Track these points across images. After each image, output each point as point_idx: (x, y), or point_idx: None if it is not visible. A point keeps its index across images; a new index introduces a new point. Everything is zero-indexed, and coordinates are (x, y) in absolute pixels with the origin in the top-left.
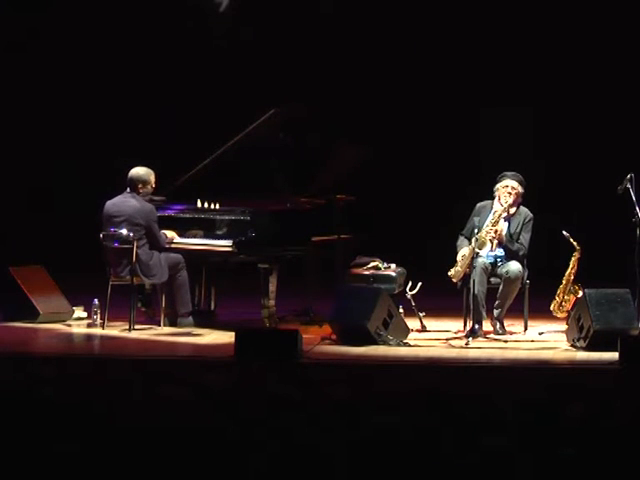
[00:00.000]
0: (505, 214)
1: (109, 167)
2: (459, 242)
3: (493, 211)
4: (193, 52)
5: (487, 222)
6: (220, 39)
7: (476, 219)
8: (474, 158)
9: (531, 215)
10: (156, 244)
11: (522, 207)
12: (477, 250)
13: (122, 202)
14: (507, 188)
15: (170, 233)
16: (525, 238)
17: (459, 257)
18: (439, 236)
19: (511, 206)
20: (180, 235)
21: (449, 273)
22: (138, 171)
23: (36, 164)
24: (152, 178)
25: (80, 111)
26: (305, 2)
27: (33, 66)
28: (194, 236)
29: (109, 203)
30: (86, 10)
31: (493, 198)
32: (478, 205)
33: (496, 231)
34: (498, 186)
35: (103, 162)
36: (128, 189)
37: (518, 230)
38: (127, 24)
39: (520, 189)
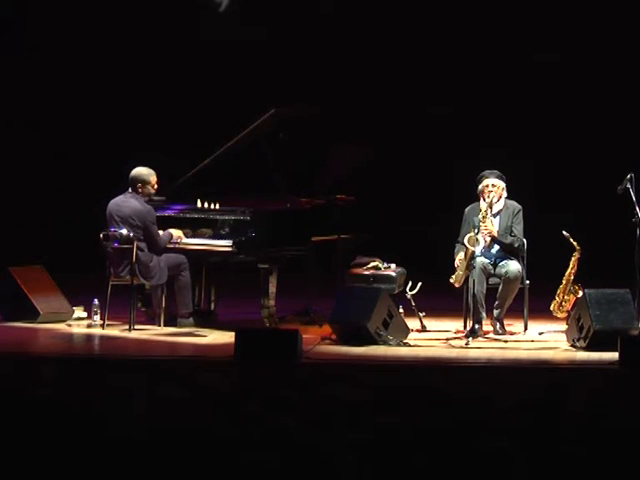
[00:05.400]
0: (490, 210)
1: (109, 167)
2: (456, 250)
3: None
4: (193, 51)
5: (477, 222)
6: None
7: (467, 224)
8: (474, 157)
9: (519, 207)
10: (154, 247)
11: (508, 200)
12: (471, 248)
13: (122, 202)
14: (488, 187)
15: (176, 232)
16: (518, 229)
17: (456, 263)
18: (439, 236)
19: (496, 202)
20: (187, 235)
21: (451, 280)
22: (139, 171)
23: (36, 164)
24: (153, 178)
25: (79, 111)
26: (305, 2)
27: (35, 68)
28: (202, 235)
29: (112, 202)
30: (85, 10)
31: (478, 199)
32: (466, 210)
33: (486, 227)
34: (480, 187)
35: (103, 162)
36: (129, 189)
37: (509, 224)
38: (126, 23)
39: (501, 184)
